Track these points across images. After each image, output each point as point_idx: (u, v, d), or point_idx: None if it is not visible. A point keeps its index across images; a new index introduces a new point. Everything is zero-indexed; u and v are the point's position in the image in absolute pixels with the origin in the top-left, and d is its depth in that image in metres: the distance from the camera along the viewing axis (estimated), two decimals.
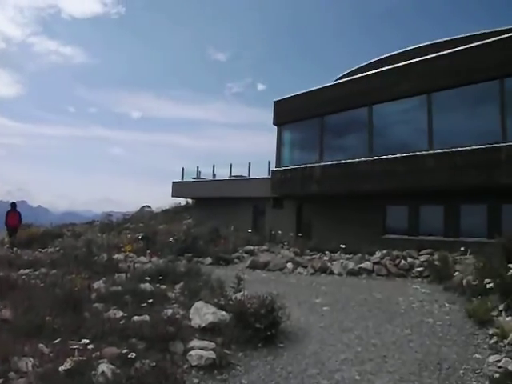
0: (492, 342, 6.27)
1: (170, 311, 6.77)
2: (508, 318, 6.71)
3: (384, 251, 13.73)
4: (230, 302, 6.87)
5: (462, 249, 13.80)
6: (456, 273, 11.02)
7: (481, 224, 15.69)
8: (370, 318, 7.96)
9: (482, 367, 5.40)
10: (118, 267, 11.34)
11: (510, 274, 7.72)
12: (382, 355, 5.91)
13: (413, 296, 9.88)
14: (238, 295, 7.22)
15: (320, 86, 21.03)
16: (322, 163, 20.06)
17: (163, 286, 8.95)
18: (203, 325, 6.34)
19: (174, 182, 31.32)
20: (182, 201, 33.97)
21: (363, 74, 19.28)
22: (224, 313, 6.63)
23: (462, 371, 5.31)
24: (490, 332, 6.64)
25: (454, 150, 15.46)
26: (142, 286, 8.47)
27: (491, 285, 8.04)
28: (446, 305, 8.96)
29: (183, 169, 31.50)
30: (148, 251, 15.23)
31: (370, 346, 6.33)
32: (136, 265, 11.87)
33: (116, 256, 13.30)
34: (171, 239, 16.02)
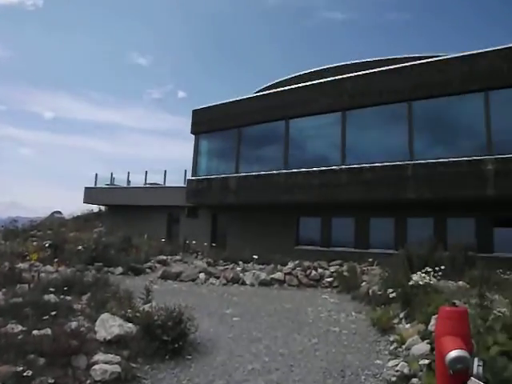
0: (392, 347, 6.60)
1: (74, 324, 6.44)
2: (407, 325, 7.10)
3: (296, 262, 14.06)
4: (138, 314, 6.68)
5: (370, 260, 14.47)
6: (363, 283, 11.52)
7: (388, 236, 16.55)
8: (279, 328, 8.07)
9: (381, 372, 5.65)
10: (21, 277, 10.65)
11: (410, 283, 8.17)
12: (288, 364, 5.99)
13: (322, 306, 10.17)
14: (146, 307, 7.05)
15: (239, 98, 21.28)
16: (239, 174, 20.23)
17: (69, 298, 8.53)
18: (109, 337, 6.11)
19: (86, 188, 30.28)
20: (95, 207, 32.87)
21: (282, 89, 19.76)
22: (131, 325, 6.43)
23: (363, 377, 5.52)
24: (391, 339, 7.00)
25: (365, 165, 16.18)
26: (46, 297, 8.00)
27: (393, 294, 8.48)
28: (353, 314, 9.32)
29: (96, 174, 30.67)
30: (55, 260, 14.49)
31: (278, 355, 6.40)
32: (41, 274, 11.23)
33: (20, 265, 12.53)
34: (80, 247, 15.38)
